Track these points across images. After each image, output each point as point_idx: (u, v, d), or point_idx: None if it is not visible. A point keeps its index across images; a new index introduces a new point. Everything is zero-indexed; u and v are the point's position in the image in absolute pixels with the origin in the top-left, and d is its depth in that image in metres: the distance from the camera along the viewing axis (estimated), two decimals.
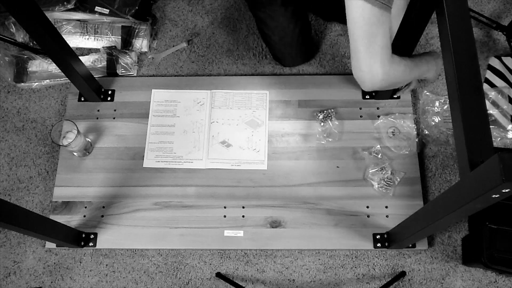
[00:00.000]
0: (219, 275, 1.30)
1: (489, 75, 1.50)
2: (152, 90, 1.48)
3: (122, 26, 1.57)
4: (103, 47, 1.55)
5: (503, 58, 1.52)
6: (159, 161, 1.40)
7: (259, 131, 1.43)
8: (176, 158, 1.40)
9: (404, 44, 1.14)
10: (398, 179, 1.34)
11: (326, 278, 1.30)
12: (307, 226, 1.32)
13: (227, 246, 1.31)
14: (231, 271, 1.32)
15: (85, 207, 1.36)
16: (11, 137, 1.48)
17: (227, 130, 1.43)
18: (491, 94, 1.46)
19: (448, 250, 1.32)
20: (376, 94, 1.44)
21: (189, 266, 1.32)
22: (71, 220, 1.34)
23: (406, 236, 1.14)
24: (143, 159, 1.40)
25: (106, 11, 1.55)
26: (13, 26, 1.56)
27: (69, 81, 1.38)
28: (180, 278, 1.31)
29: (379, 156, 1.37)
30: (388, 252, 1.31)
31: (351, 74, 1.51)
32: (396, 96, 1.44)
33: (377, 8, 0.90)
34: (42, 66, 1.53)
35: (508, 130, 1.41)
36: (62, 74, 1.32)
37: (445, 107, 1.43)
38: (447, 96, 1.07)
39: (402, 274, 1.29)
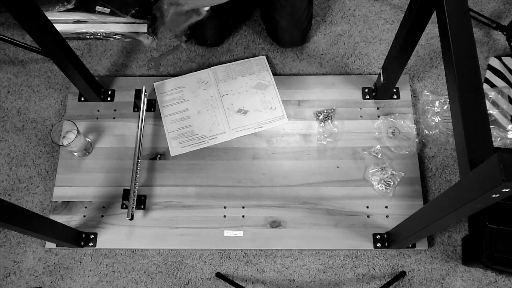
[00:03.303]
0: (219, 275, 1.30)
1: (489, 75, 1.50)
2: (153, 83, 1.50)
3: None
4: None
5: (503, 58, 1.52)
6: (184, 147, 1.41)
7: (269, 90, 1.47)
8: (200, 138, 1.42)
9: (404, 44, 1.14)
10: (398, 179, 1.34)
11: (326, 278, 1.30)
12: (307, 226, 1.32)
13: (227, 246, 1.31)
14: (231, 271, 1.32)
15: (85, 207, 1.36)
16: (11, 137, 1.48)
17: (239, 98, 1.46)
18: (491, 94, 1.46)
19: (448, 250, 1.32)
20: (376, 94, 1.44)
21: (189, 266, 1.32)
22: (71, 220, 1.34)
23: (406, 236, 1.14)
24: (143, 159, 1.40)
25: (107, 10, 1.55)
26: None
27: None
28: (180, 278, 1.31)
29: (379, 156, 1.37)
30: (388, 252, 1.31)
31: (351, 74, 1.53)
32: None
33: None
34: None
35: (508, 130, 1.42)
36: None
37: (445, 107, 1.43)
38: (447, 96, 1.07)
39: (402, 274, 1.29)
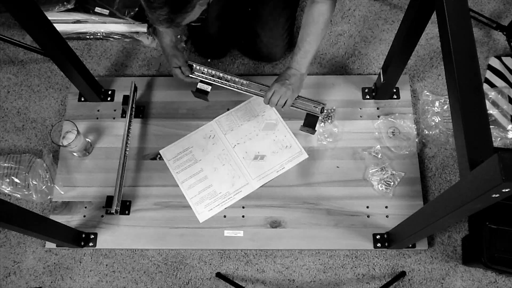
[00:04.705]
0: (219, 275, 1.30)
1: (489, 75, 1.50)
2: (160, 151, 1.41)
3: None
4: None
5: (503, 58, 1.52)
6: (211, 209, 1.34)
7: (279, 129, 1.42)
8: (225, 196, 1.35)
9: (404, 44, 1.14)
10: (398, 179, 1.34)
11: (326, 278, 1.30)
12: (307, 226, 1.32)
13: (227, 246, 1.31)
14: (231, 271, 1.32)
15: (85, 207, 1.36)
16: (11, 137, 1.48)
17: (252, 145, 1.40)
18: (491, 94, 1.46)
19: (448, 250, 1.32)
20: (376, 94, 1.44)
21: (189, 266, 1.32)
22: (71, 220, 1.34)
23: (406, 236, 1.14)
24: (143, 159, 1.40)
25: (106, 12, 1.55)
26: None
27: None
28: (180, 278, 1.31)
29: (379, 156, 1.37)
30: (388, 252, 1.31)
31: (351, 74, 1.53)
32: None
33: None
34: None
35: (508, 130, 1.41)
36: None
37: (445, 107, 1.43)
38: (447, 96, 1.07)
39: (402, 274, 1.29)
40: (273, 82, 1.26)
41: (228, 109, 1.45)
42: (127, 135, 1.35)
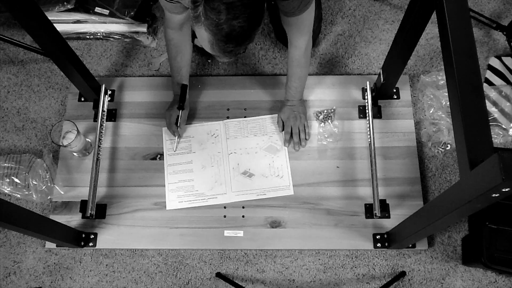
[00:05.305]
0: (219, 275, 1.30)
1: (489, 75, 1.50)
2: (162, 128, 1.43)
3: None
4: None
5: (503, 58, 1.52)
6: (182, 201, 1.34)
7: (279, 156, 1.39)
8: (199, 195, 1.35)
9: (404, 44, 1.14)
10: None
11: (326, 278, 1.30)
12: (307, 226, 1.32)
13: (227, 246, 1.31)
14: (231, 271, 1.32)
15: None
16: (11, 137, 1.48)
17: (247, 159, 1.38)
18: (492, 93, 1.46)
19: (448, 250, 1.32)
20: (376, 94, 1.44)
21: (189, 266, 1.32)
22: (71, 220, 1.34)
23: (406, 236, 1.14)
24: (143, 159, 1.40)
25: (106, 12, 1.55)
26: None
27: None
28: (180, 278, 1.31)
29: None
30: (388, 252, 1.31)
31: (351, 74, 1.53)
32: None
33: None
34: None
35: (508, 129, 1.41)
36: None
37: (446, 105, 1.43)
38: (447, 97, 1.07)
39: (402, 274, 1.29)
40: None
41: (228, 109, 1.45)
42: (99, 139, 1.37)
